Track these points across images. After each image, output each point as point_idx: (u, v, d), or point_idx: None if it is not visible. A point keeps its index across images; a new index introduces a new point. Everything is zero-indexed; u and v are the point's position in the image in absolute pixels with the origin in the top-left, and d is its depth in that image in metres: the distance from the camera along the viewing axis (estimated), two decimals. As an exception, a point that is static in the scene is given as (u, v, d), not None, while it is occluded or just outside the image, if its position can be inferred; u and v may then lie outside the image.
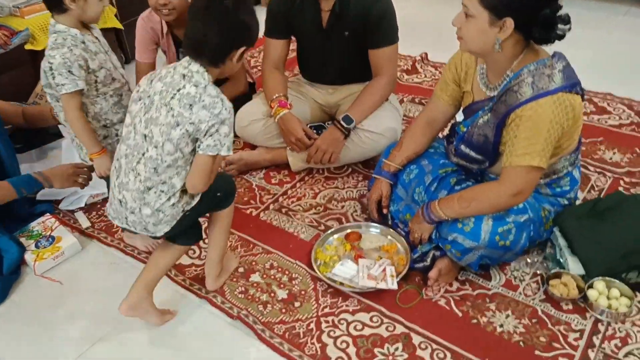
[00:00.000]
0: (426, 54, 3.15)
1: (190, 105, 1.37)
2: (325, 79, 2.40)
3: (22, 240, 1.95)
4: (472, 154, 1.74)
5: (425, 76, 2.96)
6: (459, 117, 1.86)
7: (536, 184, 1.59)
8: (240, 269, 1.84)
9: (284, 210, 2.10)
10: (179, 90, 1.39)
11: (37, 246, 1.93)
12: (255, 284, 1.78)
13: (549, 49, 1.53)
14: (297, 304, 1.70)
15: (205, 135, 1.38)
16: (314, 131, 2.25)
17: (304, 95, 2.44)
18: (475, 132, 1.69)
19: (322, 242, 1.89)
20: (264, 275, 1.81)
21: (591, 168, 2.18)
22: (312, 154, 2.18)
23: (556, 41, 1.46)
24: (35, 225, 2.01)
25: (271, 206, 2.13)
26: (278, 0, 2.23)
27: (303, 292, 1.74)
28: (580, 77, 1.53)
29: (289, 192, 2.20)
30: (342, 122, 2.15)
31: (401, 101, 2.75)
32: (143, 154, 1.43)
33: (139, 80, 2.44)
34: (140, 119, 1.44)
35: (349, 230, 1.93)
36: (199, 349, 1.60)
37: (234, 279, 1.80)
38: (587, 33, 3.25)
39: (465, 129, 1.74)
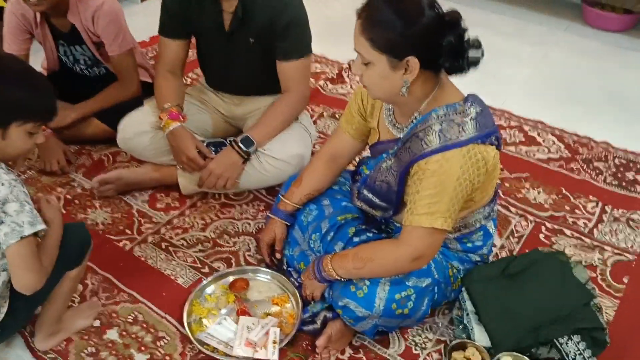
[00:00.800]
0: (355, 60, 2.89)
1: None
2: (229, 88, 2.10)
3: None
4: (375, 200, 1.50)
5: (352, 87, 2.70)
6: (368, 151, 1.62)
7: (440, 246, 1.37)
8: (96, 322, 1.53)
9: (164, 245, 1.79)
10: None
11: None
12: (110, 344, 1.48)
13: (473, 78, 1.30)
14: (157, 374, 1.42)
15: None
16: (213, 149, 1.95)
17: (205, 104, 2.13)
18: (377, 177, 1.45)
19: (200, 292, 1.61)
20: (123, 333, 1.51)
21: (512, 210, 1.99)
22: (204, 178, 1.88)
23: (471, 68, 1.26)
24: None
25: (150, 238, 1.82)
26: (171, -5, 1.90)
27: (167, 359, 1.46)
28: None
29: (175, 220, 1.89)
30: (240, 144, 1.86)
31: (320, 115, 2.48)
32: None
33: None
34: None
35: (233, 277, 1.66)
36: None
37: (85, 336, 1.49)
38: (526, 49, 3.08)
39: (368, 172, 1.49)
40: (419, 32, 1.19)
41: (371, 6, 1.23)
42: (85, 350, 1.46)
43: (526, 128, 2.42)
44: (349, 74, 2.79)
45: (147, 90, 2.24)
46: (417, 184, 1.29)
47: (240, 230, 1.86)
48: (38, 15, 1.98)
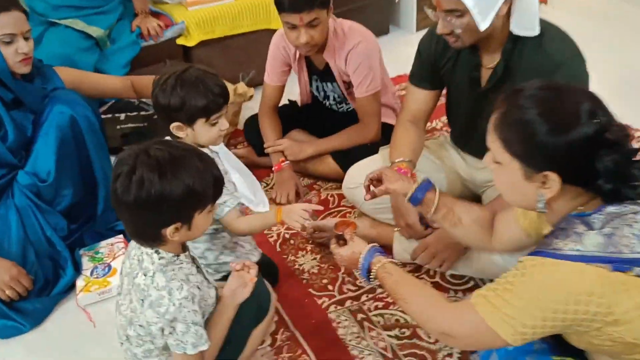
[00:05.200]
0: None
1: (142, 300, 1.14)
2: (475, 149, 1.80)
3: (85, 259, 1.83)
4: None
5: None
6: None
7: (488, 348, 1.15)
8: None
9: (359, 316, 1.61)
10: (134, 279, 1.16)
11: (92, 273, 1.79)
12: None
13: None
14: None
15: (162, 335, 1.14)
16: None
17: (443, 162, 1.88)
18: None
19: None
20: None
21: None
22: (418, 251, 1.64)
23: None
24: (104, 246, 1.88)
25: (348, 302, 1.66)
26: (428, 41, 1.70)
27: None
28: None
29: (379, 290, 1.69)
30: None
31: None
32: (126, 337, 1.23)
33: (264, 105, 2.20)
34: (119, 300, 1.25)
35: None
36: None
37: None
38: None
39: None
40: (563, 146, 0.95)
41: (514, 99, 1.01)
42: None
43: None
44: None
45: (387, 135, 2.10)
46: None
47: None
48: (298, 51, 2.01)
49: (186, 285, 1.13)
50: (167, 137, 1.40)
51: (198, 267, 1.24)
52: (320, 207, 1.39)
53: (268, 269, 1.63)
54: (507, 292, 1.00)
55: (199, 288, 1.19)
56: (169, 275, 1.13)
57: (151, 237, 1.13)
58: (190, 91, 1.30)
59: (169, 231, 1.09)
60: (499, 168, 1.05)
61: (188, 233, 1.13)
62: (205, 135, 1.37)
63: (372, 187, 1.44)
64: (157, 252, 1.14)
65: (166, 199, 1.05)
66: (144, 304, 1.13)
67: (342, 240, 1.36)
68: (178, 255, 1.17)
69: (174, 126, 1.35)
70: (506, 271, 1.47)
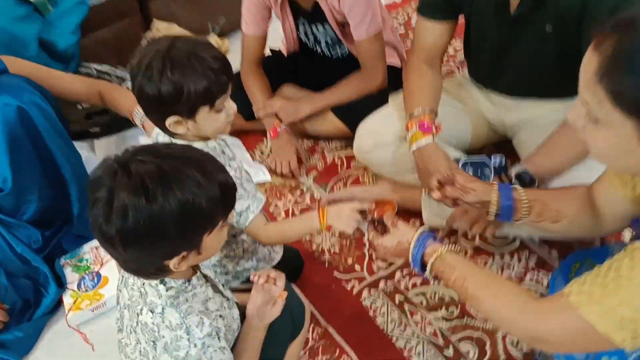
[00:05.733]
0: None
1: (154, 342, 0.90)
2: (503, 86, 1.55)
3: (69, 270, 1.57)
4: None
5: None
6: None
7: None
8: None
9: (397, 298, 1.40)
10: (138, 316, 0.92)
11: (79, 286, 1.53)
12: None
13: None
14: None
15: None
16: (470, 171, 1.46)
17: (466, 104, 1.62)
18: None
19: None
20: None
21: None
22: (456, 216, 1.41)
23: None
24: (87, 251, 1.61)
25: (381, 284, 1.45)
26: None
27: None
28: None
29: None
30: (512, 179, 1.33)
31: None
32: None
33: (246, 61, 1.88)
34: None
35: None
36: None
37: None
38: None
39: None
40: None
41: (632, 35, 0.73)
42: None
43: None
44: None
45: (394, 79, 1.82)
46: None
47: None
48: (279, -9, 1.68)
49: (207, 318, 0.90)
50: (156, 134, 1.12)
51: (213, 285, 1.00)
52: (372, 206, 1.13)
53: (293, 262, 1.40)
54: (618, 288, 0.78)
55: (221, 317, 0.95)
56: (183, 308, 0.89)
57: (152, 273, 0.88)
58: (185, 73, 0.98)
59: (173, 263, 0.84)
60: (595, 128, 0.80)
61: (198, 257, 0.88)
62: (211, 126, 1.06)
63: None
64: (162, 282, 0.89)
65: (161, 228, 0.79)
66: (156, 347, 0.90)
67: (379, 225, 1.12)
68: (189, 280, 0.92)
69: (170, 123, 1.03)
70: (563, 231, 1.30)
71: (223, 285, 1.05)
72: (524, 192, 1.13)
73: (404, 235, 1.05)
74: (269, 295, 1.01)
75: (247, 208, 1.11)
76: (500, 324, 0.94)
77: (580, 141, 1.29)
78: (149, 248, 0.81)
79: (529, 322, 0.87)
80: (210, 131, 1.07)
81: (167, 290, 0.89)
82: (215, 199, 0.82)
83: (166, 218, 0.78)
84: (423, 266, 1.02)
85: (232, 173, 1.10)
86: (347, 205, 1.14)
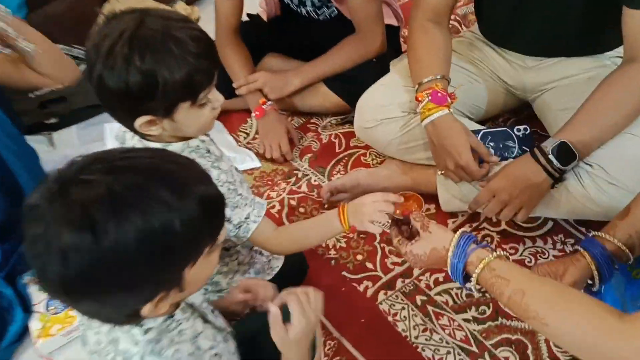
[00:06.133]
0: None
1: None
2: (522, 44, 1.35)
3: (34, 289, 1.35)
4: None
5: None
6: None
7: None
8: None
9: (419, 299, 1.21)
10: None
11: (47, 307, 1.32)
12: None
13: None
14: None
15: None
16: (492, 148, 1.27)
17: (478, 67, 1.42)
18: None
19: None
20: None
21: None
22: (482, 200, 1.22)
23: None
24: (54, 266, 1.40)
25: (399, 283, 1.26)
26: None
27: None
28: None
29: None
30: (550, 156, 1.13)
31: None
32: None
33: (221, 30, 1.63)
34: None
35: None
36: None
37: None
38: None
39: None
40: None
41: None
42: None
43: None
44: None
45: (392, 41, 1.60)
46: None
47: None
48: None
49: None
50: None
51: (201, 314, 0.80)
52: (400, 199, 0.93)
53: (298, 264, 1.20)
54: None
55: (217, 355, 0.76)
56: (169, 354, 0.70)
57: (122, 321, 0.67)
58: (159, 59, 0.77)
59: (146, 309, 0.64)
60: None
61: (181, 295, 0.68)
62: (193, 124, 0.85)
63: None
64: (137, 324, 0.69)
65: (118, 272, 0.58)
66: None
67: (404, 226, 0.92)
68: (172, 316, 0.72)
69: (141, 123, 0.82)
70: (612, 208, 1.11)
71: (213, 311, 0.85)
72: None
73: (438, 240, 0.86)
74: (307, 320, 0.80)
75: (246, 218, 0.91)
76: (574, 351, 0.76)
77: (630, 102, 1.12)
78: (108, 298, 0.60)
79: (614, 347, 0.69)
80: (191, 130, 0.86)
81: (144, 334, 0.69)
82: (193, 220, 0.61)
83: (124, 257, 0.57)
84: (467, 277, 0.83)
85: (222, 177, 0.89)
86: (367, 198, 0.94)
